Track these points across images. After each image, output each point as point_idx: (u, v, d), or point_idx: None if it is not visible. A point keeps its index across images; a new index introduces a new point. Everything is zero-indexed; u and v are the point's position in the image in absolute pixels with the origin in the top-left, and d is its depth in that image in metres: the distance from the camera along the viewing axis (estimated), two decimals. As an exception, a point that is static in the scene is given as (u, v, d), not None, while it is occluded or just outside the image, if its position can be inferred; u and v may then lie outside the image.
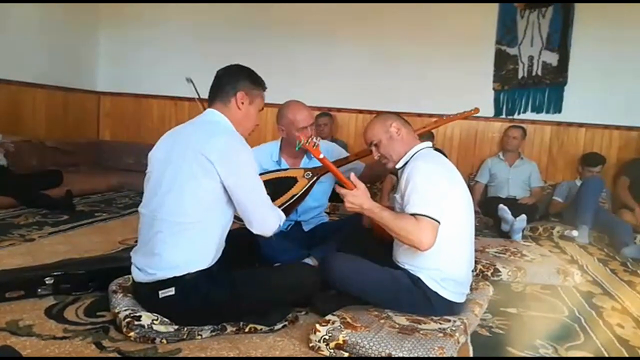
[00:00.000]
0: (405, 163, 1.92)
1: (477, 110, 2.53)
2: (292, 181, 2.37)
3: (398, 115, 2.08)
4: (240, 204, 1.70)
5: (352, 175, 1.84)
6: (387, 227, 1.77)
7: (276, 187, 2.31)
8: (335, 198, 2.67)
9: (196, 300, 1.66)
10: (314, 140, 1.95)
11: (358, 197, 1.78)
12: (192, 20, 5.44)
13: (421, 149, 1.94)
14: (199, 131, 1.74)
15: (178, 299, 1.65)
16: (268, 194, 2.29)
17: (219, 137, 1.69)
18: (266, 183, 2.31)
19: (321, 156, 1.88)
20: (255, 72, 1.88)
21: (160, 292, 1.66)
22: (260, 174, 2.41)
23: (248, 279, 1.78)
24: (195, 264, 1.67)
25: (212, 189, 1.66)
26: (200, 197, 1.66)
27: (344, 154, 2.58)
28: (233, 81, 1.80)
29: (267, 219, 1.76)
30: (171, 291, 1.65)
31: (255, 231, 1.75)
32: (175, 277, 1.65)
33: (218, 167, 1.64)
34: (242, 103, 1.80)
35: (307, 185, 2.35)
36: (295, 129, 2.40)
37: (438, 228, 1.73)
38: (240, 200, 1.69)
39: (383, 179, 4.12)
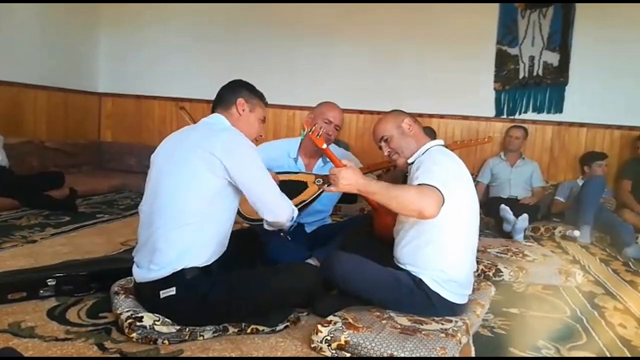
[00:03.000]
0: (417, 158, 1.90)
1: (490, 139, 2.72)
2: (303, 186, 2.37)
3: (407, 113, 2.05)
4: (252, 194, 1.74)
5: (345, 160, 1.85)
6: (388, 196, 1.69)
7: (286, 189, 2.31)
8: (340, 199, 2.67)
9: (197, 300, 1.67)
10: (319, 129, 2.00)
11: (352, 173, 1.74)
12: (192, 21, 5.44)
13: (433, 146, 1.93)
14: (203, 131, 1.79)
15: (179, 299, 1.66)
16: None
17: (222, 134, 1.74)
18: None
19: (323, 146, 1.91)
20: (253, 85, 1.97)
21: (161, 292, 1.67)
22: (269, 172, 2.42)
23: (249, 279, 1.78)
24: (195, 259, 1.69)
25: (215, 184, 1.70)
26: (202, 192, 1.69)
27: (354, 159, 2.59)
28: (232, 91, 1.90)
29: (279, 207, 1.80)
30: (172, 291, 1.66)
31: (269, 219, 1.80)
32: (175, 274, 1.66)
33: (225, 162, 1.67)
34: (243, 110, 1.88)
35: (317, 193, 2.34)
36: (321, 119, 2.49)
37: (441, 202, 1.67)
38: (251, 191, 1.73)
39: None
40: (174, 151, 1.76)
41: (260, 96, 1.96)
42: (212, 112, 1.91)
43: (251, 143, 1.79)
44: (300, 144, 2.59)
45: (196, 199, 1.69)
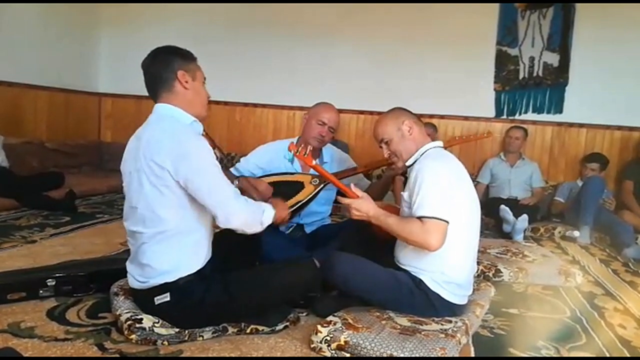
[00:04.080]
0: (415, 161, 1.91)
1: (490, 134, 2.66)
2: (299, 186, 2.37)
3: (408, 111, 2.03)
4: (199, 198, 1.62)
5: (352, 186, 1.86)
6: (394, 233, 1.79)
7: (282, 190, 2.31)
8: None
9: (192, 304, 1.66)
10: (304, 148, 1.92)
11: (364, 205, 1.82)
12: (192, 21, 5.44)
13: (431, 148, 1.92)
14: (151, 135, 1.66)
15: (174, 304, 1.65)
16: (273, 196, 2.29)
17: (166, 138, 1.61)
18: (272, 185, 2.31)
19: (314, 163, 1.88)
20: (179, 47, 1.78)
21: (155, 298, 1.66)
22: (267, 175, 2.42)
23: (244, 279, 1.77)
24: (186, 268, 1.67)
25: (175, 194, 1.62)
26: (168, 205, 1.63)
27: (352, 163, 2.58)
28: (166, 65, 1.71)
29: (229, 209, 1.63)
30: (166, 297, 1.65)
31: (221, 225, 1.66)
32: (168, 283, 1.65)
33: (169, 169, 1.58)
34: (187, 82, 1.70)
35: (313, 193, 2.34)
36: (315, 120, 2.45)
37: (447, 228, 1.73)
38: (197, 194, 1.61)
39: (392, 187, 4.13)
40: (132, 164, 1.67)
41: (192, 57, 1.77)
42: (153, 97, 1.75)
43: (200, 140, 1.63)
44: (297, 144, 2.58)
45: (168, 211, 1.63)
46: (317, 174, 2.42)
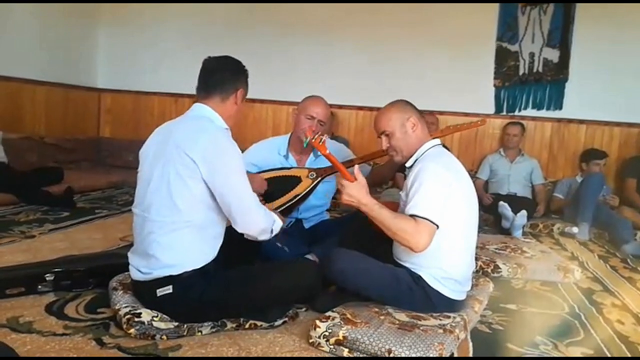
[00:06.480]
0: (415, 161, 1.90)
1: (484, 121, 2.60)
2: (296, 180, 2.37)
3: (413, 106, 1.99)
4: (224, 202, 1.67)
5: (356, 168, 1.83)
6: (383, 226, 1.76)
7: (279, 185, 2.32)
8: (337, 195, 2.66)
9: (195, 298, 1.66)
10: (321, 136, 1.96)
11: (357, 191, 1.77)
12: (192, 19, 5.43)
13: (431, 147, 1.91)
14: (187, 129, 1.71)
15: (176, 297, 1.66)
16: (271, 191, 2.29)
17: (204, 136, 1.66)
18: (270, 180, 2.31)
19: (327, 152, 1.90)
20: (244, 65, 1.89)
21: (158, 290, 1.66)
22: (264, 171, 2.42)
23: (247, 276, 1.77)
24: (192, 263, 1.67)
25: (199, 188, 1.65)
26: (188, 197, 1.64)
27: (351, 155, 2.58)
28: (235, 79, 1.81)
29: (251, 218, 1.70)
30: (169, 289, 1.66)
31: (239, 230, 1.71)
32: (172, 276, 1.65)
33: (201, 166, 1.62)
34: (240, 101, 1.82)
35: (311, 186, 2.34)
36: (304, 114, 2.42)
37: (435, 232, 1.72)
38: (223, 198, 1.66)
39: (392, 181, 4.14)
40: (159, 151, 1.70)
41: (248, 82, 1.87)
42: (203, 96, 1.79)
43: (235, 146, 1.70)
44: (289, 140, 2.56)
45: (184, 204, 1.64)
46: (314, 167, 2.43)
